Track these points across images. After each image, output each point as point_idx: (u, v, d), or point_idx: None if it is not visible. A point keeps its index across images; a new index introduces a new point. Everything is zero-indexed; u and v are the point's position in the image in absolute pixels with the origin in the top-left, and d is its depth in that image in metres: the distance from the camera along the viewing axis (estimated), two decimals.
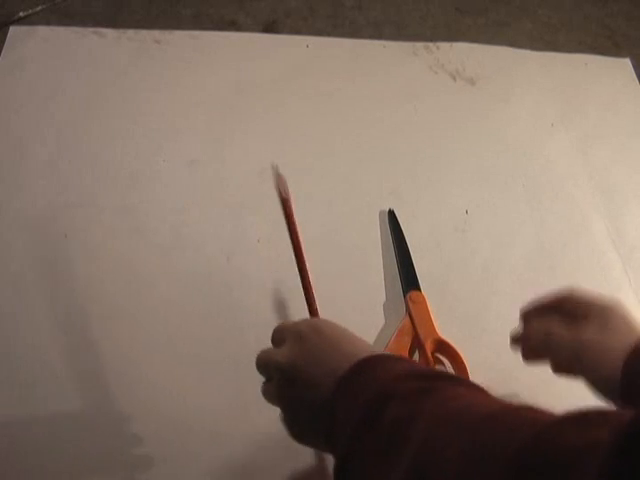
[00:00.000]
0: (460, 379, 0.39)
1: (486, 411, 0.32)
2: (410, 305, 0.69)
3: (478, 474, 0.28)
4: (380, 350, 0.43)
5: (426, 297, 0.70)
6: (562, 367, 0.56)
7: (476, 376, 0.66)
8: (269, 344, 0.66)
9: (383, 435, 0.34)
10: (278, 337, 0.48)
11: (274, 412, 0.62)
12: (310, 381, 0.42)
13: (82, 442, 0.59)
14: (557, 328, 0.53)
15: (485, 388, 0.37)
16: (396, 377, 0.38)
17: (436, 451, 0.31)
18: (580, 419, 0.27)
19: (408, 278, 0.72)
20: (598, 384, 0.50)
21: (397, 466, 0.32)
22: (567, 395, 0.66)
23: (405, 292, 0.71)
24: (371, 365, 0.40)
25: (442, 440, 0.31)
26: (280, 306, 0.69)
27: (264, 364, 0.47)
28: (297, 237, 0.62)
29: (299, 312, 0.69)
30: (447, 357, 0.67)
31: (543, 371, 0.67)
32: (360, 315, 0.69)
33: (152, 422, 0.61)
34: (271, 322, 0.68)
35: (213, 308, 0.69)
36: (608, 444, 0.24)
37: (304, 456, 0.60)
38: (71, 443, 0.59)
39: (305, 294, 0.61)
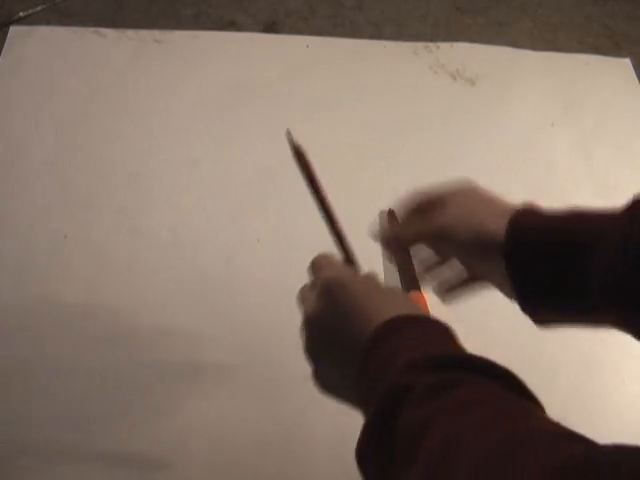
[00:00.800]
0: (490, 366, 0.34)
1: (507, 433, 0.28)
2: None
3: None
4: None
5: (426, 297, 0.70)
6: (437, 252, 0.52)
7: None
8: (269, 343, 0.67)
9: (397, 441, 0.31)
10: (314, 271, 0.46)
11: (274, 412, 0.63)
12: (336, 342, 0.40)
13: (82, 442, 0.60)
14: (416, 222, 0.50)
15: (517, 376, 0.34)
16: (415, 363, 0.34)
17: (449, 472, 0.28)
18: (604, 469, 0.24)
19: (408, 278, 0.71)
20: (473, 257, 0.47)
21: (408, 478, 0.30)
22: (567, 393, 0.66)
23: (406, 292, 0.70)
24: (389, 337, 0.37)
25: (455, 461, 0.28)
26: (280, 306, 0.69)
27: (300, 302, 0.46)
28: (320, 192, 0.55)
29: (300, 312, 0.68)
30: None
31: (543, 371, 0.67)
32: None
33: (151, 422, 0.61)
34: (271, 322, 0.68)
35: (213, 308, 0.68)
36: None
37: (304, 456, 0.60)
38: (70, 443, 0.59)
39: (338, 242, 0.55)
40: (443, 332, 0.38)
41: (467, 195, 0.49)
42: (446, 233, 0.47)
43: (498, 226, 0.45)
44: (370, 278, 0.44)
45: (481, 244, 0.45)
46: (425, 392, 0.32)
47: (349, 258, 0.51)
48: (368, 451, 0.34)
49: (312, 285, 0.44)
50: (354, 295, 0.40)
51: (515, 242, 0.44)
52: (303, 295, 0.45)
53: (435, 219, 0.49)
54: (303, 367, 0.68)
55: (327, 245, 0.75)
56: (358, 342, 0.38)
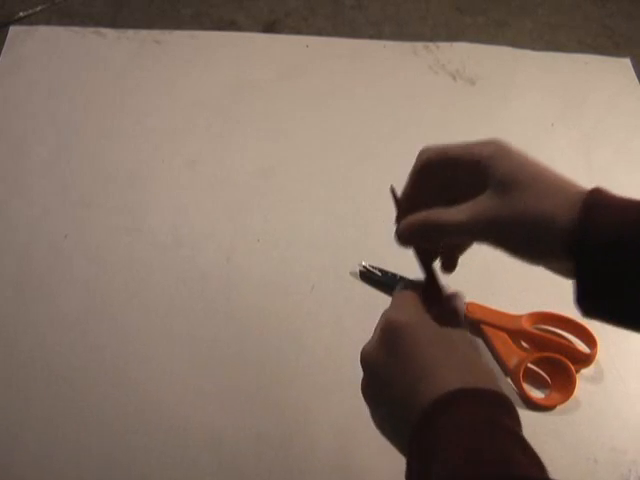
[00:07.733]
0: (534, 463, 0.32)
1: None
2: None
3: None
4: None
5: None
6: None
7: None
8: (269, 342, 0.67)
9: None
10: (390, 307, 0.41)
11: (274, 411, 0.63)
12: (391, 392, 0.37)
13: (81, 442, 0.60)
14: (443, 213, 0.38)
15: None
16: (466, 460, 0.31)
17: None
18: None
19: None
20: (528, 255, 0.39)
21: None
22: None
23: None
24: (440, 426, 0.33)
25: None
26: (280, 305, 0.69)
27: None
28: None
29: (300, 312, 0.68)
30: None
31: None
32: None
33: (151, 421, 0.61)
34: (271, 322, 0.68)
35: (213, 308, 0.69)
36: None
37: (305, 455, 0.60)
38: (69, 443, 0.59)
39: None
40: (504, 425, 0.33)
41: (517, 167, 0.38)
42: (495, 229, 0.37)
43: (567, 219, 0.35)
44: (446, 332, 0.38)
45: (544, 242, 0.36)
46: None
47: (435, 295, 0.44)
48: None
49: (380, 322, 0.40)
50: (415, 348, 0.36)
51: (591, 242, 0.35)
52: (363, 350, 0.41)
53: (474, 208, 0.37)
54: (303, 366, 0.68)
55: (326, 246, 0.75)
56: (412, 406, 0.34)
